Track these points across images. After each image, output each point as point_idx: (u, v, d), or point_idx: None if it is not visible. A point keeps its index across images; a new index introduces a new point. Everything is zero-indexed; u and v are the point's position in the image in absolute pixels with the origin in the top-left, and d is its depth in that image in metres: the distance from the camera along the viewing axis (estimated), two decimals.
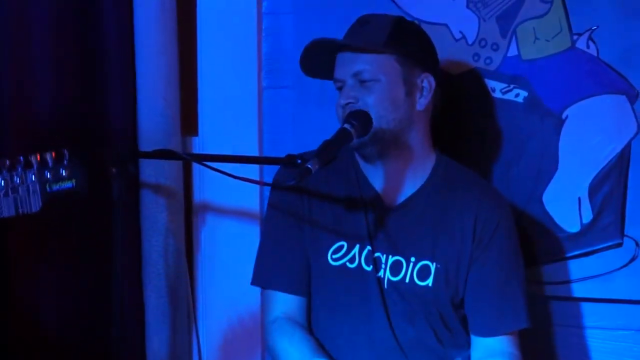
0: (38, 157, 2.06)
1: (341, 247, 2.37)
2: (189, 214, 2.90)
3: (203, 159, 2.49)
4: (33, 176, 2.06)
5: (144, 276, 2.82)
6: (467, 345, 2.36)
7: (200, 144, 2.86)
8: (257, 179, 2.58)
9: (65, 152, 2.09)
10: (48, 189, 2.09)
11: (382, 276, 2.34)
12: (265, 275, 2.48)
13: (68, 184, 2.10)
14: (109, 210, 2.54)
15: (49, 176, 2.08)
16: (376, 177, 2.39)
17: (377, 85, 2.26)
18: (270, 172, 2.57)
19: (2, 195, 2.05)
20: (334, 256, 2.38)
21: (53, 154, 2.07)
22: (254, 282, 2.49)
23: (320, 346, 2.40)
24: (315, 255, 2.41)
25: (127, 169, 2.53)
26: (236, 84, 2.83)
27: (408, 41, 2.31)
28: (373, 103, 2.25)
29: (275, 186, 2.42)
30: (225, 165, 2.33)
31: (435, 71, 2.35)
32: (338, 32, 2.38)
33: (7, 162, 2.04)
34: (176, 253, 2.82)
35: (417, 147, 2.36)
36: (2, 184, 2.04)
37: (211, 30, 2.86)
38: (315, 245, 2.41)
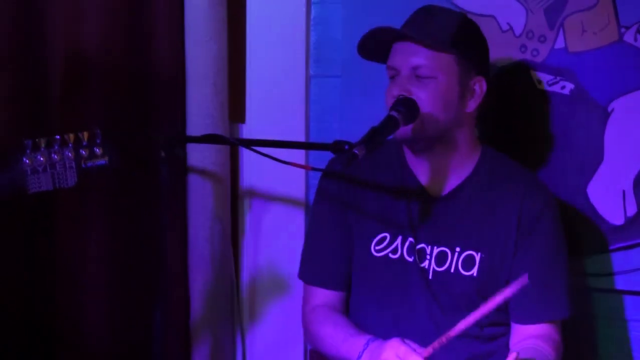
0: (72, 136, 2.11)
1: (384, 238, 2.40)
2: (235, 199, 2.89)
3: (250, 143, 2.50)
4: (70, 153, 2.11)
5: (189, 261, 2.83)
6: (508, 335, 2.38)
7: (247, 131, 2.85)
8: (312, 167, 2.54)
9: (98, 131, 2.14)
10: (83, 164, 2.13)
11: (427, 267, 2.36)
12: (308, 271, 2.54)
13: (102, 161, 2.14)
14: (157, 192, 2.57)
15: (84, 153, 2.13)
16: (421, 169, 2.41)
17: (433, 83, 2.27)
18: (316, 159, 2.63)
19: (40, 171, 2.10)
20: (377, 247, 2.40)
21: (86, 134, 2.12)
22: (300, 276, 2.56)
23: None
24: (359, 247, 2.44)
25: (175, 153, 2.56)
26: (284, 72, 2.82)
27: (469, 43, 2.32)
28: (426, 100, 2.26)
29: (321, 170, 2.44)
30: (272, 152, 2.35)
31: (488, 75, 2.36)
32: (385, 23, 2.37)
33: (46, 140, 2.10)
34: (222, 238, 2.82)
35: (463, 143, 2.37)
36: (42, 159, 2.09)
37: (260, 18, 2.84)
38: (359, 236, 2.44)
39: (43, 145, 2.09)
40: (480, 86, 2.32)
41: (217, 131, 2.73)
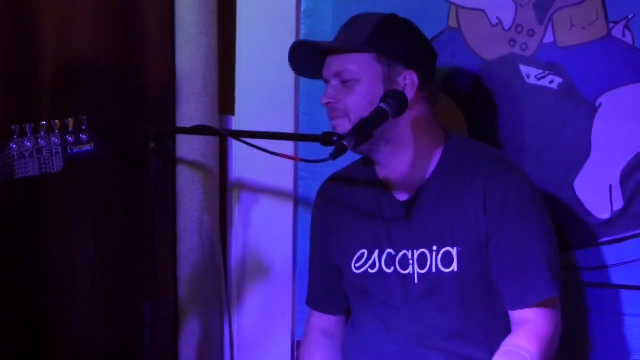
0: (58, 123, 2.16)
1: (363, 254, 2.41)
2: (224, 191, 2.92)
3: (240, 135, 2.49)
4: (56, 139, 2.16)
5: (178, 251, 2.85)
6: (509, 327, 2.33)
7: (237, 123, 2.87)
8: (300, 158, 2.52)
9: (84, 118, 2.18)
10: (69, 150, 2.18)
11: (412, 272, 2.35)
12: (310, 298, 2.61)
13: (87, 147, 2.19)
14: (146, 183, 2.56)
15: (70, 140, 2.17)
16: (388, 176, 2.41)
17: (357, 86, 2.28)
18: (305, 151, 2.64)
19: (27, 156, 2.15)
20: (356, 265, 2.41)
21: (72, 121, 2.17)
22: (307, 302, 2.62)
23: None
24: (343, 267, 2.45)
25: (165, 145, 2.54)
26: (273, 64, 2.80)
27: (390, 40, 2.31)
28: (352, 103, 2.28)
29: (310, 162, 2.33)
30: (261, 143, 2.33)
31: (423, 67, 2.34)
32: None
33: (32, 126, 2.15)
34: (211, 230, 2.84)
35: (413, 140, 2.35)
36: (29, 145, 2.14)
37: (251, 11, 2.86)
38: (341, 257, 2.46)
39: (29, 131, 2.13)
40: (411, 79, 2.30)
41: (206, 123, 2.74)
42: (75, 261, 2.88)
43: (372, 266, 2.39)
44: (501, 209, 2.28)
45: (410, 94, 2.29)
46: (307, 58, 2.38)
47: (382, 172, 2.42)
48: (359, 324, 2.47)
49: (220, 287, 2.93)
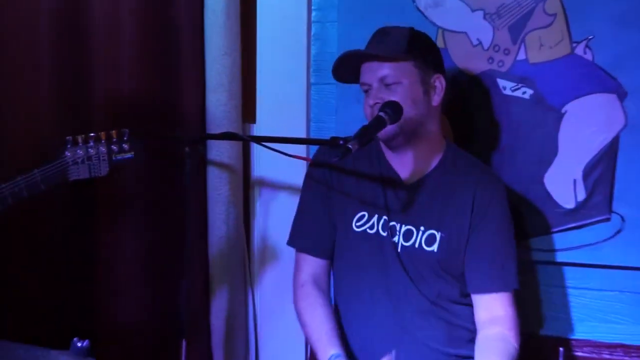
0: (104, 134, 2.17)
1: (363, 216, 2.39)
2: (247, 188, 2.92)
3: (260, 140, 2.51)
4: (103, 148, 2.16)
5: (209, 239, 2.85)
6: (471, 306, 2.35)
7: (258, 130, 2.87)
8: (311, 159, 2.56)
9: (126, 131, 2.18)
10: (114, 158, 2.18)
11: (396, 241, 2.35)
12: (297, 239, 2.53)
13: (129, 155, 2.19)
14: (181, 181, 2.57)
15: (114, 148, 2.18)
16: (396, 161, 2.40)
17: (399, 88, 2.27)
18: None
19: (79, 162, 2.15)
20: (357, 224, 2.39)
21: (114, 132, 2.18)
22: (289, 243, 2.54)
23: (336, 323, 2.41)
24: (341, 223, 2.43)
25: (197, 149, 2.60)
26: (288, 80, 2.83)
27: (423, 49, 2.32)
28: (400, 99, 2.26)
29: (319, 163, 2.42)
30: (278, 147, 2.37)
31: (445, 72, 2.36)
32: None
33: (83, 137, 2.15)
34: (236, 220, 2.84)
35: (432, 136, 2.37)
36: (81, 153, 2.14)
37: (269, 35, 2.85)
38: (342, 214, 2.43)
39: (81, 141, 2.14)
40: (440, 82, 2.32)
41: (231, 130, 2.74)
42: (122, 249, 2.88)
43: (372, 227, 2.38)
44: (485, 211, 2.30)
45: (441, 93, 2.32)
46: (345, 65, 2.36)
47: (392, 157, 2.42)
48: (347, 284, 2.46)
49: (244, 268, 2.92)
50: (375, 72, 2.28)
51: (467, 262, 2.32)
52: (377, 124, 2.20)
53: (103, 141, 2.17)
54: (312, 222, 2.51)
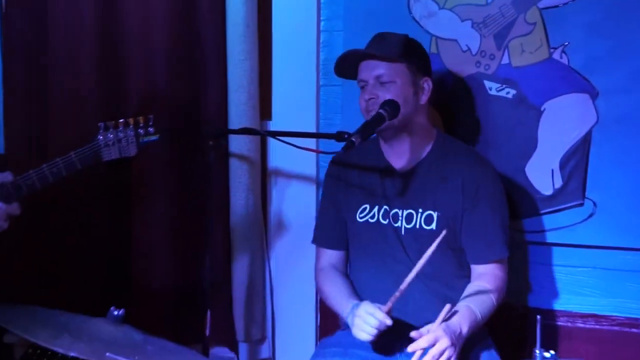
0: (132, 120, 2.17)
1: (365, 208, 2.40)
2: (264, 176, 2.92)
3: (275, 134, 2.53)
4: (131, 132, 2.16)
5: (231, 222, 2.85)
6: (469, 275, 2.34)
7: (273, 126, 2.87)
8: (319, 150, 2.59)
9: (151, 117, 2.18)
10: (141, 140, 2.17)
11: (400, 226, 2.35)
12: (318, 236, 2.55)
13: (154, 137, 2.19)
14: (206, 171, 2.62)
15: (141, 132, 2.17)
16: (391, 153, 2.40)
17: (393, 86, 2.27)
18: (324, 145, 2.62)
19: (110, 145, 2.15)
20: (360, 215, 2.40)
21: (142, 118, 2.18)
22: (313, 241, 2.56)
23: (354, 289, 2.41)
24: (349, 216, 2.44)
25: (220, 142, 2.67)
26: (300, 82, 2.84)
27: (415, 54, 2.33)
28: (392, 96, 2.27)
29: (327, 153, 2.39)
30: (291, 140, 2.38)
31: (432, 76, 2.37)
32: None
33: (114, 123, 2.15)
34: (254, 205, 2.85)
35: (421, 129, 2.36)
36: (111, 137, 2.14)
37: (283, 42, 2.86)
38: (348, 208, 2.44)
39: (112, 127, 2.14)
40: (427, 84, 2.33)
41: (250, 126, 2.75)
42: (154, 228, 2.89)
43: (372, 217, 2.39)
44: (475, 192, 2.30)
45: (427, 94, 2.33)
46: (347, 62, 2.36)
47: (389, 152, 2.41)
48: (359, 266, 2.47)
49: (262, 245, 2.93)
50: (372, 70, 2.29)
51: (463, 237, 2.31)
52: (377, 120, 2.22)
53: (131, 126, 2.17)
54: (327, 222, 2.53)
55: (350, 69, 2.37)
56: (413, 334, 2.03)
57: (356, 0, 2.76)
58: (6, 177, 2.09)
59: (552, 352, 1.80)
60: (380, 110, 2.23)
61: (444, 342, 2.00)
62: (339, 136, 2.24)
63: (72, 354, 1.77)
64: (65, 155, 2.11)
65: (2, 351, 2.91)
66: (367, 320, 2.11)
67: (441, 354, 1.99)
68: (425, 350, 2.00)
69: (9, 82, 2.87)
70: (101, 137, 2.13)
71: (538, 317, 1.79)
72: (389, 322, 2.10)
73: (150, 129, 2.17)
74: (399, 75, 2.29)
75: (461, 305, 2.17)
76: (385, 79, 2.28)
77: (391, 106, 2.25)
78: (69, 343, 1.79)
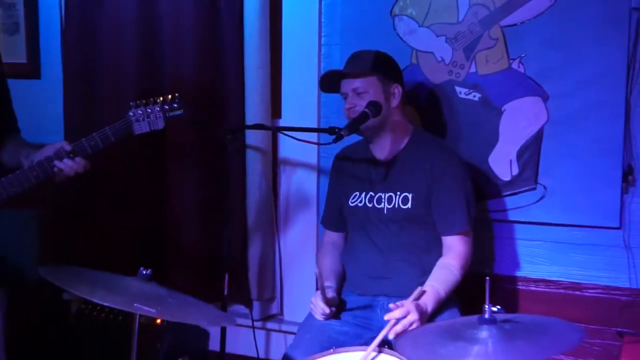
0: (160, 98, 2.15)
1: (355, 195, 2.44)
2: (275, 165, 2.92)
3: (282, 129, 2.55)
4: (158, 108, 2.15)
5: (247, 202, 2.88)
6: (439, 246, 2.35)
7: (282, 123, 2.87)
8: (318, 142, 2.56)
9: (177, 95, 2.17)
10: (167, 115, 2.16)
11: (383, 207, 2.37)
12: (323, 219, 2.62)
13: (179, 112, 2.17)
14: (226, 160, 2.72)
15: (167, 107, 2.15)
16: (376, 147, 2.43)
17: (367, 95, 2.31)
18: (323, 139, 2.47)
19: (141, 120, 2.13)
20: (351, 201, 2.44)
21: (169, 96, 2.16)
22: (320, 223, 2.63)
23: (335, 270, 2.44)
24: (345, 202, 2.47)
25: (238, 136, 2.71)
26: (305, 87, 2.83)
27: (384, 66, 2.36)
28: (374, 100, 2.31)
29: (321, 144, 2.45)
30: (296, 135, 2.41)
31: (402, 82, 2.39)
32: None
33: (144, 101, 2.14)
34: (266, 188, 2.87)
35: (397, 126, 2.39)
36: (141, 112, 2.13)
37: (291, 53, 2.86)
38: (345, 196, 2.47)
39: (141, 104, 2.15)
40: (397, 89, 2.35)
41: (263, 123, 2.77)
42: (184, 205, 2.91)
43: (360, 201, 2.42)
44: (442, 175, 2.33)
45: (398, 98, 2.36)
46: (330, 80, 2.40)
47: (373, 147, 2.44)
48: (353, 240, 2.50)
49: (273, 223, 2.93)
50: (350, 84, 2.34)
51: (433, 212, 2.33)
52: (362, 117, 2.28)
53: (159, 103, 2.15)
54: (329, 208, 2.59)
55: (332, 85, 2.41)
56: (391, 306, 2.10)
57: (350, 20, 2.76)
58: (65, 144, 2.11)
59: (498, 307, 1.75)
60: (365, 110, 2.29)
61: (412, 316, 2.07)
62: (331, 130, 2.28)
63: (106, 304, 1.79)
64: (101, 129, 2.11)
65: (61, 306, 2.99)
66: (315, 306, 2.28)
67: (410, 325, 2.05)
68: (397, 321, 2.06)
69: (68, 79, 2.99)
70: (131, 113, 2.12)
71: (487, 278, 1.75)
72: (327, 310, 2.23)
73: (175, 105, 2.16)
74: (371, 86, 2.32)
75: (428, 285, 2.21)
76: (360, 91, 2.32)
77: (374, 106, 2.31)
78: (105, 295, 1.81)
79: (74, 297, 2.96)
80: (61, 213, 3.05)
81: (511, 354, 1.64)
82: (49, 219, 3.01)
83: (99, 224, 2.97)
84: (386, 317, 2.06)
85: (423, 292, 2.18)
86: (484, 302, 1.70)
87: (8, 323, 2.21)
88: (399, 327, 2.03)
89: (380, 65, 2.36)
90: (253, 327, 2.76)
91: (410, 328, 2.04)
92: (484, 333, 1.69)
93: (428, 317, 2.14)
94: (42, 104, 3.12)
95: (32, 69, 3.17)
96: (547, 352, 1.74)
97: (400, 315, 2.06)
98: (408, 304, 2.08)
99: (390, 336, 2.03)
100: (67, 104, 3.01)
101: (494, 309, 1.75)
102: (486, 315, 1.71)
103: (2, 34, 3.18)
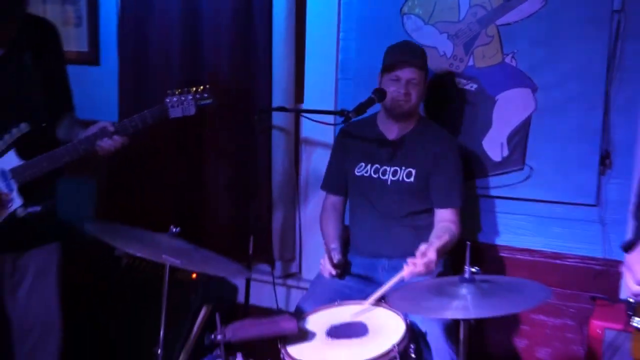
0: (193, 88, 2.15)
1: (361, 165, 2.46)
2: (297, 143, 2.95)
3: (301, 111, 2.64)
4: (190, 96, 2.15)
5: (272, 176, 2.91)
6: (431, 215, 2.39)
7: (304, 107, 2.87)
8: (332, 123, 2.58)
9: (207, 86, 2.17)
10: (199, 103, 2.16)
11: (387, 178, 2.41)
12: (324, 183, 2.62)
13: (209, 101, 2.17)
14: (254, 138, 2.76)
15: (198, 96, 2.16)
16: (385, 127, 2.46)
17: (418, 87, 2.36)
18: (338, 121, 2.53)
19: (175, 106, 2.13)
20: (357, 170, 2.46)
21: (201, 87, 2.16)
22: (321, 187, 2.64)
23: (339, 232, 2.46)
24: (350, 170, 2.48)
25: (264, 117, 2.77)
26: (324, 75, 2.85)
27: (426, 63, 2.43)
28: (416, 95, 2.37)
29: (333, 125, 2.52)
30: (314, 117, 2.45)
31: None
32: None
33: (179, 90, 2.15)
34: (289, 163, 2.91)
35: (417, 111, 2.46)
36: (175, 99, 2.14)
37: (312, 46, 2.86)
38: (350, 165, 2.48)
39: (177, 93, 2.16)
40: (427, 82, 2.43)
41: (287, 107, 2.78)
42: (216, 178, 2.94)
43: (366, 172, 2.44)
44: (443, 157, 2.38)
45: (426, 92, 2.42)
46: (391, 57, 2.38)
47: (384, 125, 2.44)
48: (356, 208, 2.52)
49: (294, 191, 2.95)
50: (409, 73, 2.35)
51: (432, 189, 2.38)
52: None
53: (191, 92, 2.15)
54: (332, 173, 2.59)
55: (389, 58, 2.38)
56: (411, 259, 2.07)
57: (365, 18, 2.78)
58: (109, 124, 2.14)
59: (477, 268, 1.80)
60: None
61: (431, 254, 2.05)
62: (341, 112, 2.33)
63: (139, 254, 1.84)
64: (141, 112, 2.15)
65: (114, 262, 3.01)
66: (323, 266, 2.31)
67: (429, 262, 2.06)
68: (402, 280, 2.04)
69: (123, 67, 3.06)
70: (168, 100, 2.14)
71: (468, 243, 1.81)
72: (334, 272, 2.26)
73: (206, 95, 2.18)
74: (422, 81, 2.39)
75: (434, 238, 2.22)
76: (415, 82, 2.36)
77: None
78: (137, 248, 1.86)
79: (123, 254, 2.97)
80: (112, 181, 3.14)
81: (486, 308, 1.70)
82: (102, 186, 3.10)
83: (143, 191, 3.06)
84: (406, 269, 2.05)
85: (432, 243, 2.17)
86: (474, 265, 1.79)
87: (63, 273, 2.29)
88: (419, 265, 2.03)
89: (426, 62, 2.42)
90: (274, 283, 2.80)
91: (424, 269, 2.03)
92: (463, 290, 1.75)
93: (434, 262, 2.11)
94: (100, 87, 3.20)
95: (92, 57, 3.26)
96: (517, 307, 1.87)
97: (421, 262, 2.06)
98: (428, 250, 2.06)
99: (406, 275, 2.04)
100: (121, 88, 3.12)
101: (473, 270, 1.80)
102: (466, 275, 1.78)
103: (68, 25, 3.31)
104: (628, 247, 1.59)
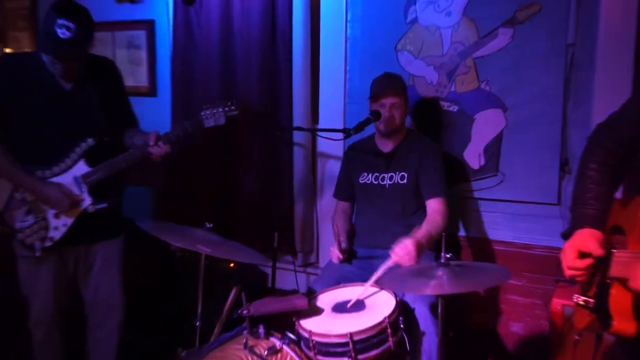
0: (223, 102, 2.18)
1: (364, 175, 2.51)
2: (314, 156, 2.99)
3: (316, 130, 2.65)
4: (221, 109, 2.19)
5: (294, 182, 2.98)
6: (425, 212, 2.39)
7: (319, 126, 2.88)
8: (339, 139, 2.53)
9: (234, 100, 2.21)
10: (227, 114, 2.19)
11: (385, 183, 2.45)
12: (336, 192, 2.65)
13: (235, 112, 2.21)
14: (277, 153, 2.86)
15: (227, 109, 2.19)
16: (381, 142, 2.52)
17: (400, 108, 2.42)
18: (350, 139, 2.57)
19: (209, 117, 2.17)
20: (361, 179, 2.51)
21: (229, 102, 2.20)
22: (334, 195, 2.65)
23: (347, 229, 2.47)
24: (355, 180, 2.52)
25: (286, 135, 2.86)
26: (335, 101, 2.89)
27: (405, 88, 2.47)
28: (399, 116, 2.42)
29: (337, 140, 2.50)
30: (326, 134, 2.51)
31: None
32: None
33: (211, 104, 2.18)
34: (308, 172, 2.98)
35: (403, 127, 2.49)
36: (208, 112, 2.17)
37: (325, 76, 2.89)
38: (355, 175, 2.52)
39: (209, 107, 2.20)
40: (408, 103, 2.47)
41: (305, 126, 2.87)
42: (252, 179, 2.98)
43: (368, 180, 2.49)
44: (427, 159, 2.42)
45: (408, 111, 2.48)
46: (376, 88, 2.41)
47: (380, 142, 2.50)
48: (361, 208, 2.57)
49: (312, 195, 2.99)
50: (391, 99, 2.42)
51: (420, 185, 2.42)
52: (367, 121, 2.42)
53: (222, 106, 2.18)
54: (341, 184, 2.63)
55: (374, 90, 2.44)
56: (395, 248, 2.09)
57: (367, 54, 2.82)
58: (156, 133, 2.18)
59: (450, 254, 1.85)
60: (369, 116, 2.43)
61: (409, 245, 2.08)
62: (343, 130, 2.44)
63: (178, 245, 1.93)
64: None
65: (169, 255, 3.15)
66: (332, 253, 2.33)
67: (406, 249, 2.08)
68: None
69: (175, 97, 3.17)
70: (202, 113, 2.19)
71: (443, 234, 1.88)
72: (341, 257, 2.27)
73: (233, 107, 2.22)
74: (403, 103, 2.45)
75: (422, 227, 2.26)
76: (397, 106, 2.43)
77: (376, 114, 2.44)
78: (177, 239, 1.94)
79: (177, 248, 2.97)
80: (165, 188, 3.23)
81: (456, 285, 1.80)
82: (158, 192, 3.22)
83: (188, 197, 3.12)
84: (392, 253, 2.08)
85: (417, 230, 2.23)
86: (449, 253, 1.86)
87: (125, 264, 2.37)
88: (400, 255, 2.05)
89: (405, 87, 2.48)
90: (295, 271, 2.85)
91: (406, 257, 2.05)
92: (439, 272, 1.85)
93: (423, 245, 2.14)
94: (158, 113, 3.30)
95: (151, 90, 3.38)
96: (482, 285, 2.02)
97: (400, 251, 2.08)
98: (407, 241, 2.10)
99: (392, 263, 2.05)
100: (173, 113, 3.24)
101: (447, 256, 1.88)
102: (442, 260, 1.88)
103: (131, 64, 3.42)
104: (567, 236, 1.63)
